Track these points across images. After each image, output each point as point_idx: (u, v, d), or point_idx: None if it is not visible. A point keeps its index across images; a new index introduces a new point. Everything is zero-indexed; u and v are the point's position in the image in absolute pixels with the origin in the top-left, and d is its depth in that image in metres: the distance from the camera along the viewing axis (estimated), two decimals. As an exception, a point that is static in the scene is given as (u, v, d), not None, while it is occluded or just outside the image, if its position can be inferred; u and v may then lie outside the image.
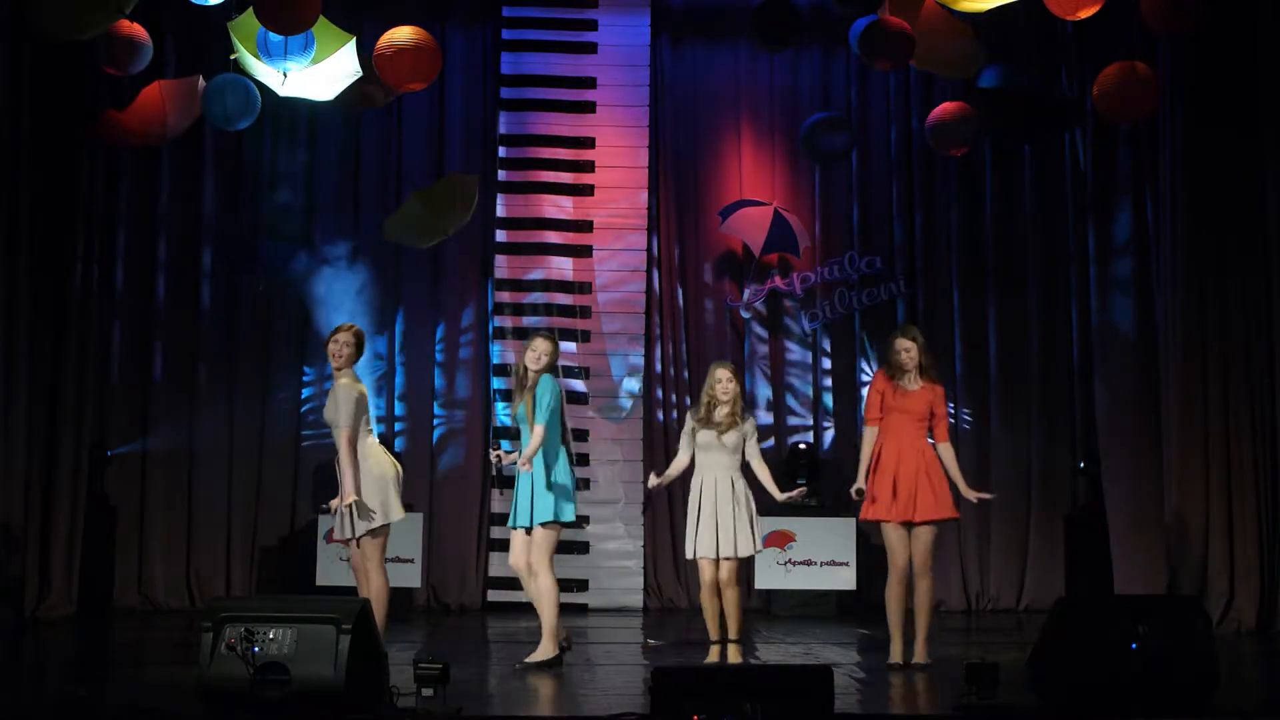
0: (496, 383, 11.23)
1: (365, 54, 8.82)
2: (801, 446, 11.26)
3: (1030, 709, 6.51)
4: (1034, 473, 11.29)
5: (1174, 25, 8.96)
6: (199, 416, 11.05)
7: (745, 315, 11.56)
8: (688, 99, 11.71)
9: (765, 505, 8.88)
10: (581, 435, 11.13)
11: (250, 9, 8.30)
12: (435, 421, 11.34)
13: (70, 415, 10.38)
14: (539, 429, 7.88)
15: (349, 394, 7.70)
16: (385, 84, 9.05)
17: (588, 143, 11.46)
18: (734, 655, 8.37)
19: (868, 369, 11.37)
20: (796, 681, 6.06)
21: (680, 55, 11.73)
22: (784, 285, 11.48)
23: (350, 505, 7.63)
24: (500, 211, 11.42)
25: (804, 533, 10.70)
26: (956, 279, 11.48)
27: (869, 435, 8.21)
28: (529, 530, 7.97)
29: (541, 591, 7.96)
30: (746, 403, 10.65)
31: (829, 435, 11.50)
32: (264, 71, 8.68)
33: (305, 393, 11.20)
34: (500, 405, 11.17)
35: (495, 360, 11.30)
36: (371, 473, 7.72)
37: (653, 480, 8.78)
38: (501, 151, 11.48)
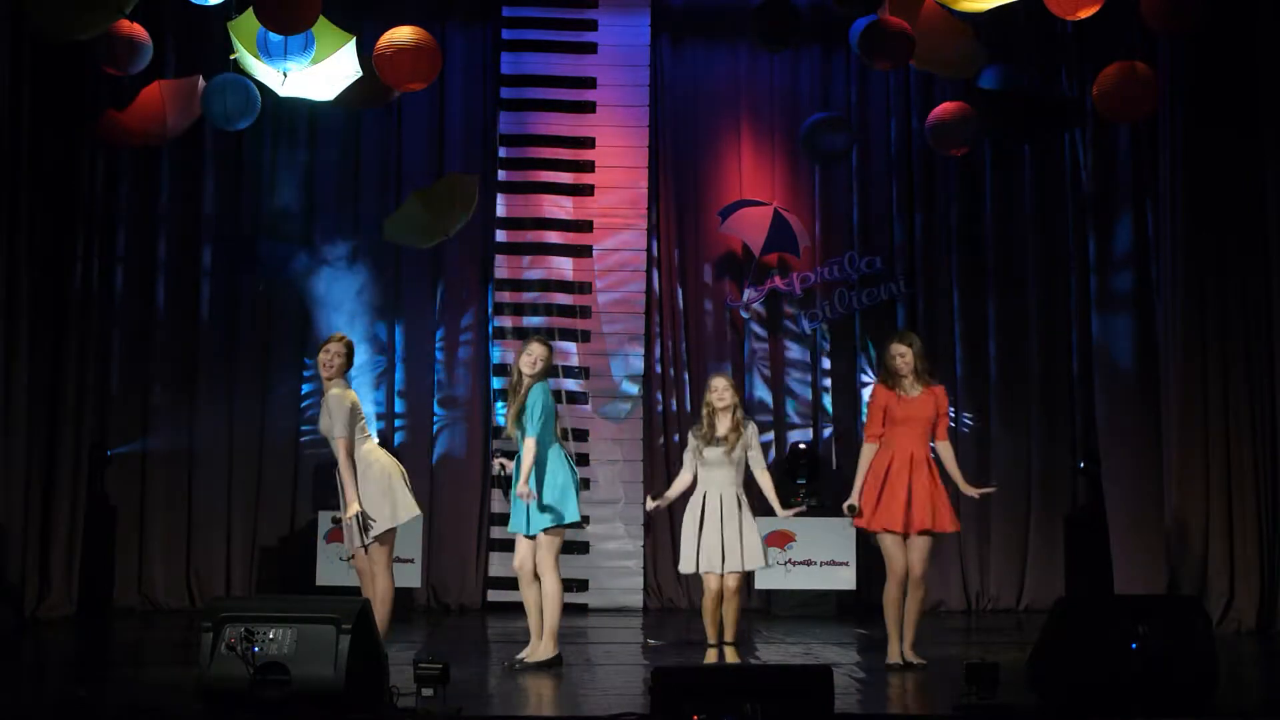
0: (496, 383, 11.23)
1: (365, 54, 8.82)
2: (801, 446, 11.26)
3: (1030, 709, 6.51)
4: (1034, 473, 11.29)
5: (1174, 25, 8.96)
6: (199, 416, 11.05)
7: (745, 315, 11.56)
8: (688, 99, 11.70)
9: (763, 507, 8.89)
10: (581, 435, 11.14)
11: (250, 9, 8.30)
12: (435, 421, 11.34)
13: (70, 415, 10.38)
14: (530, 443, 7.84)
15: (341, 403, 7.69)
16: (385, 84, 9.04)
17: (588, 143, 11.46)
18: (732, 657, 8.41)
19: (868, 369, 11.37)
20: (796, 681, 6.06)
21: (680, 55, 11.72)
22: (784, 285, 11.48)
23: (355, 517, 7.62)
24: (500, 211, 11.42)
25: (804, 533, 10.69)
26: (956, 279, 11.48)
27: (867, 451, 8.16)
28: (531, 535, 7.98)
29: (547, 592, 7.96)
30: (746, 408, 10.68)
31: (829, 435, 11.50)
32: (264, 71, 8.67)
33: (305, 388, 11.17)
34: (500, 405, 11.17)
35: (495, 360, 11.30)
36: (374, 477, 7.71)
37: (650, 503, 8.80)
38: (501, 151, 11.48)
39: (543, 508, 7.87)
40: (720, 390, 8.54)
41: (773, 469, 10.65)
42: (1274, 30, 9.84)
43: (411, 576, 10.44)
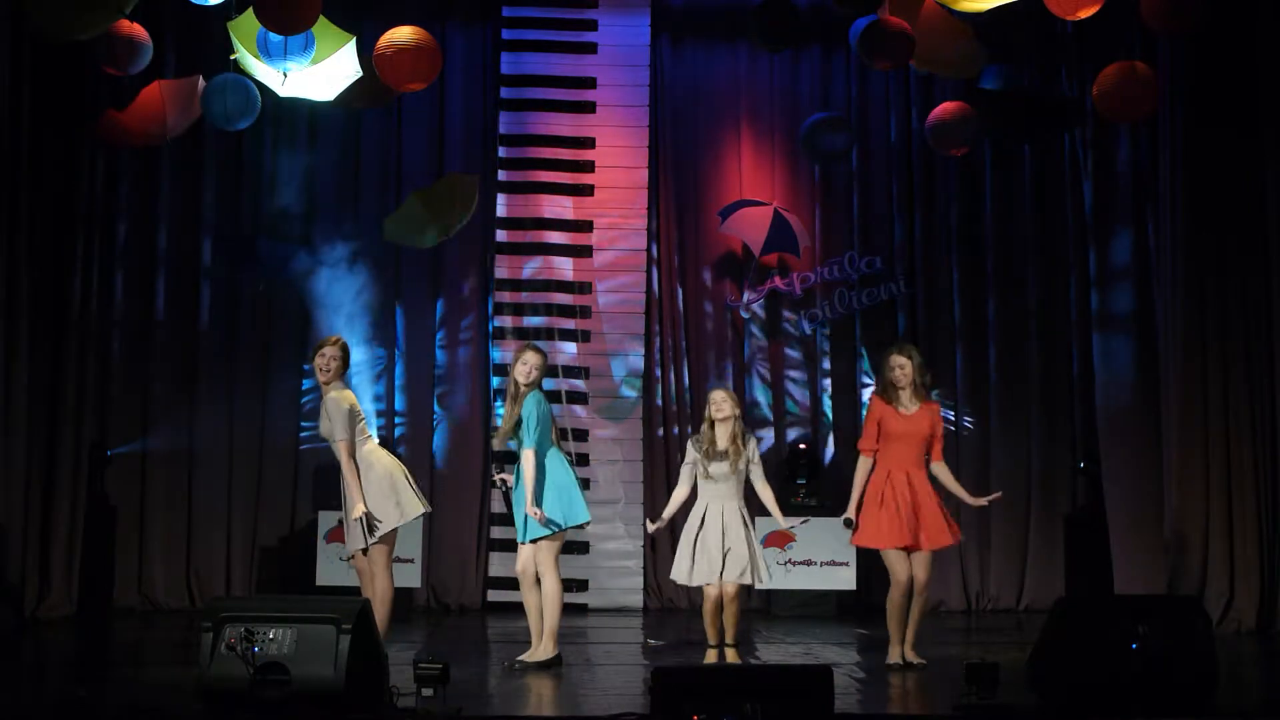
0: (496, 382, 11.23)
1: (365, 54, 8.81)
2: (801, 446, 11.25)
3: (1030, 709, 6.51)
4: (1034, 473, 11.29)
5: (1174, 25, 8.96)
6: (199, 416, 11.04)
7: (745, 315, 11.55)
8: (688, 99, 11.70)
9: (760, 507, 8.88)
10: (581, 435, 11.15)
11: (250, 9, 8.29)
12: (435, 421, 11.34)
13: (70, 415, 10.39)
14: (528, 455, 7.87)
15: (339, 406, 7.69)
16: (385, 84, 9.04)
17: (588, 143, 11.46)
18: (732, 657, 8.42)
19: (868, 369, 11.37)
20: (796, 681, 6.06)
21: (680, 55, 11.72)
22: (784, 285, 11.48)
23: (360, 518, 7.62)
24: (500, 211, 11.42)
25: (804, 533, 10.69)
26: (956, 279, 11.48)
27: (863, 465, 8.19)
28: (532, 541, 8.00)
29: (547, 592, 7.97)
30: (746, 409, 10.70)
31: (829, 435, 11.49)
32: (264, 71, 8.67)
33: (305, 383, 11.16)
34: (500, 405, 11.16)
35: (495, 360, 11.30)
36: (377, 478, 7.71)
37: (651, 526, 8.81)
38: (501, 151, 11.48)
39: (544, 499, 7.89)
40: (719, 402, 8.56)
41: (773, 469, 10.70)
42: (1274, 30, 9.84)
43: (411, 576, 10.44)
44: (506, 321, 11.34)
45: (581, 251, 11.40)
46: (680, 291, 11.59)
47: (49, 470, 10.30)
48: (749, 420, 11.07)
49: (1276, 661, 9.05)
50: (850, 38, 9.08)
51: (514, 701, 7.20)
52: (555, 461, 7.99)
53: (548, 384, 9.78)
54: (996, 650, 8.46)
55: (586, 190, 11.43)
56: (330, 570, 10.26)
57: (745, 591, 8.59)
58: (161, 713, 6.48)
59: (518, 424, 7.92)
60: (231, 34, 8.68)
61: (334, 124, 11.17)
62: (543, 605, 7.98)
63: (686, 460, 8.71)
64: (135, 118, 9.51)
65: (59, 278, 10.42)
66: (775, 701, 5.82)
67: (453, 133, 11.48)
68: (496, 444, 8.08)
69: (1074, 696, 6.45)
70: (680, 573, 8.58)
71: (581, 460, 10.95)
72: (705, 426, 8.60)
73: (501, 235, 11.42)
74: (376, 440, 8.01)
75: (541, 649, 7.99)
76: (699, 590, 8.73)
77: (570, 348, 11.25)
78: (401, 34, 8.80)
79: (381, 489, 7.70)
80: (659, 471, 11.28)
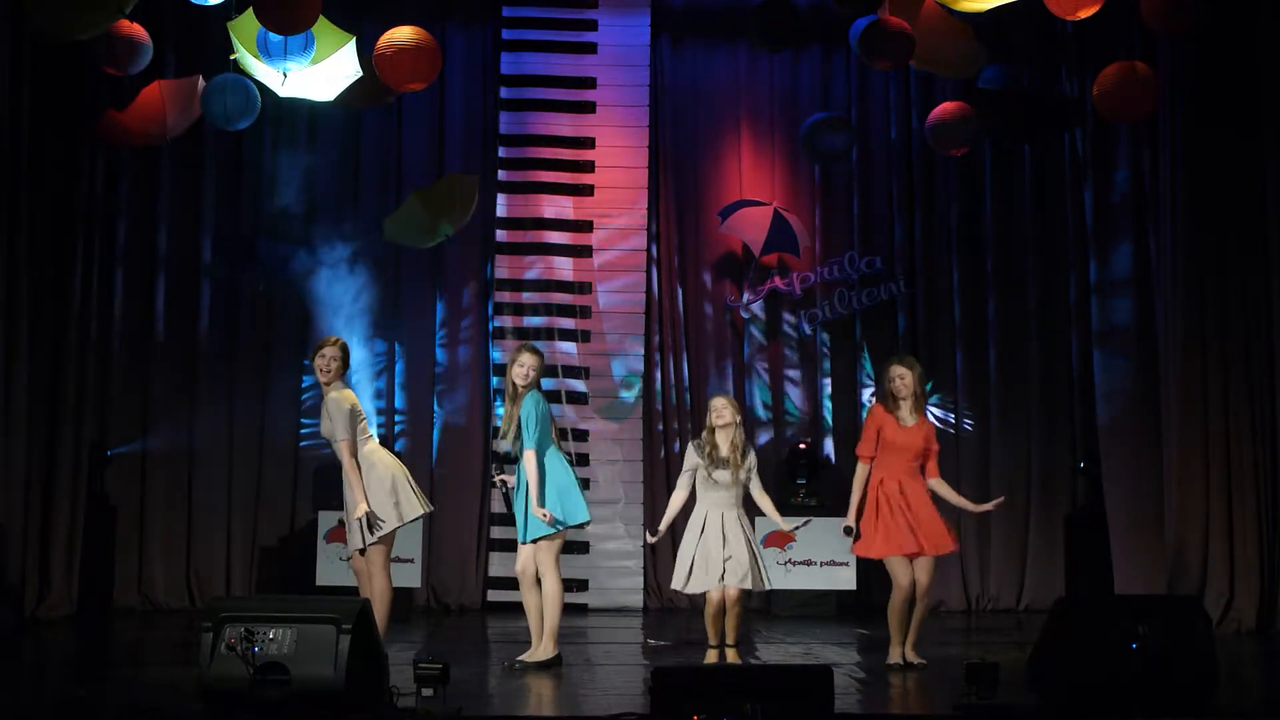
0: (496, 382, 11.22)
1: (365, 54, 8.81)
2: (801, 447, 11.25)
3: (1030, 709, 6.51)
4: (1034, 473, 11.29)
5: (1174, 25, 8.96)
6: (199, 416, 11.04)
7: (745, 315, 11.55)
8: (688, 99, 11.70)
9: (760, 509, 8.88)
10: (581, 435, 11.15)
11: (250, 9, 8.29)
12: (435, 421, 11.34)
13: (70, 415, 10.39)
14: (529, 456, 7.88)
15: (340, 406, 7.69)
16: (385, 84, 9.04)
17: (588, 143, 11.46)
18: (732, 657, 8.42)
19: (868, 370, 11.37)
20: (796, 681, 6.06)
21: (680, 55, 11.72)
22: (784, 285, 11.48)
23: (361, 518, 7.62)
24: (500, 211, 11.42)
25: (804, 533, 10.69)
26: (956, 279, 11.47)
27: (861, 471, 8.23)
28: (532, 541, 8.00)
29: (547, 592, 7.97)
30: (746, 409, 10.70)
31: (828, 435, 11.49)
32: (264, 71, 8.67)
33: (305, 381, 11.15)
34: (499, 405, 11.16)
35: (495, 360, 11.30)
36: (378, 478, 7.71)
37: (651, 537, 8.80)
38: (501, 151, 11.48)
39: (543, 502, 7.90)
40: (720, 409, 8.56)
41: (772, 469, 10.70)
42: (1274, 30, 9.84)
43: (411, 576, 10.44)
44: (506, 321, 11.34)
45: (581, 251, 11.40)
46: (680, 291, 11.59)
47: (49, 470, 10.30)
48: (749, 420, 11.08)
49: (1276, 661, 9.05)
50: (850, 38, 9.09)
51: (514, 701, 7.20)
52: (555, 461, 8.00)
53: (547, 384, 9.80)
54: (996, 650, 8.46)
55: (586, 190, 11.43)
56: (330, 570, 10.26)
57: (746, 594, 8.59)
58: (161, 713, 6.48)
59: (518, 428, 7.93)
60: (231, 34, 8.68)
61: (334, 124, 11.17)
62: (543, 605, 7.99)
63: (686, 465, 8.70)
64: (135, 118, 9.52)
65: (59, 278, 10.42)
66: (775, 701, 5.82)
67: (453, 133, 11.48)
68: (503, 446, 8.06)
69: (1074, 696, 6.45)
70: (680, 581, 8.56)
71: (581, 460, 10.95)
72: (706, 433, 8.59)
73: (501, 235, 11.42)
74: (377, 440, 8.01)
75: (541, 649, 8.00)
76: (704, 601, 8.72)
77: (570, 348, 11.25)
78: (401, 34, 8.80)
79: (382, 489, 7.70)
80: (659, 471, 11.28)
